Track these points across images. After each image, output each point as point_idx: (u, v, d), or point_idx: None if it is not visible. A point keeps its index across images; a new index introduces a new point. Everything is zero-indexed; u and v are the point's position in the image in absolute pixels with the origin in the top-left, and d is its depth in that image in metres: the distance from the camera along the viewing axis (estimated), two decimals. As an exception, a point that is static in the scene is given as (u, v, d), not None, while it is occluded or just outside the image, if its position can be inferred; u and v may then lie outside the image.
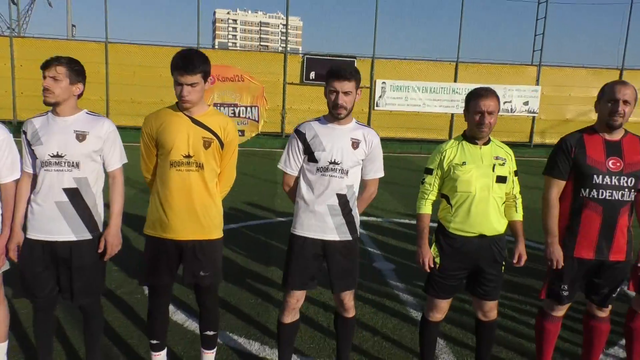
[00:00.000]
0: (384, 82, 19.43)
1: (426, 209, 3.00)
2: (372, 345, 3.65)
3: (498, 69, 20.05)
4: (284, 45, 21.24)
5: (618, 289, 3.05)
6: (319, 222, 2.81)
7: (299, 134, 2.87)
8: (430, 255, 2.94)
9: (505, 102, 19.92)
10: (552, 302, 3.12)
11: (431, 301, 3.04)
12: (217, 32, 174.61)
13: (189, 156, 2.71)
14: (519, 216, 3.04)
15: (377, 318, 4.10)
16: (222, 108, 18.09)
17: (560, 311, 3.14)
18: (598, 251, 2.94)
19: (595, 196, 2.90)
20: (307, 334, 3.70)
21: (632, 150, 2.93)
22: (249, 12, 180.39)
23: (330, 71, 2.74)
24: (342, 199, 2.81)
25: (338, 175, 2.79)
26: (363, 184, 2.98)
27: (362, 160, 2.88)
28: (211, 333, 3.02)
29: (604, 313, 3.14)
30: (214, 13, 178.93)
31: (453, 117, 19.52)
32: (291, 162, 2.90)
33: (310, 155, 2.83)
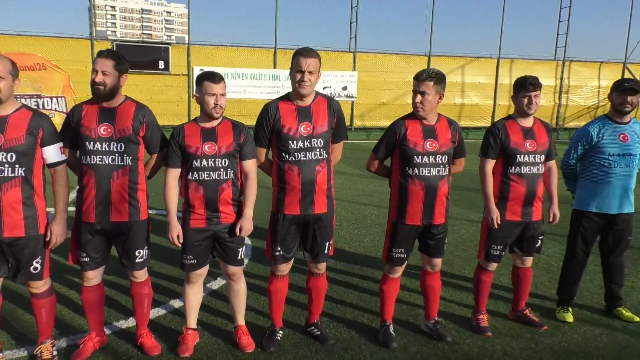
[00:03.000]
0: (201, 69, 19.01)
1: None
2: None
3: (317, 55, 20.60)
4: (169, 34, 20.13)
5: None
6: None
7: None
8: None
9: (324, 88, 20.57)
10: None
11: None
12: (94, 19, 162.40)
13: None
14: None
15: None
16: (23, 99, 16.66)
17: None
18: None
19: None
20: None
21: None
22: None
23: None
24: None
25: None
26: None
27: None
28: None
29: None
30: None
31: (275, 104, 19.78)
32: None
33: None
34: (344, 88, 20.63)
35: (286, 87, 20.14)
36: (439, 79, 3.27)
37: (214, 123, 3.22)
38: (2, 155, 2.86)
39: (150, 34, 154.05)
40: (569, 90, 22.44)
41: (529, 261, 3.79)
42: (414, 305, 4.11)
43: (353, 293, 4.44)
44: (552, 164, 3.72)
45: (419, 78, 3.27)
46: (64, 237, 3.11)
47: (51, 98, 17.81)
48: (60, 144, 3.09)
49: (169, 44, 18.91)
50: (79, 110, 3.18)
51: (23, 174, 2.93)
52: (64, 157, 3.10)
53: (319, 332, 3.58)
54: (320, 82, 20.24)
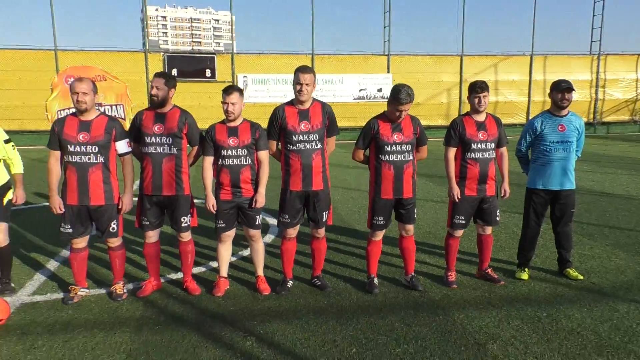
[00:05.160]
0: (245, 76, 20.59)
1: None
2: None
3: (352, 59, 21.66)
4: (217, 42, 21.95)
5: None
6: None
7: None
8: None
9: (361, 90, 21.60)
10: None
11: None
12: (147, 31, 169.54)
13: None
14: (15, 169, 4.47)
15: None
16: (87, 108, 18.54)
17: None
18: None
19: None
20: None
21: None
22: (179, 8, 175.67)
23: None
24: None
25: None
26: None
27: None
28: None
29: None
30: (142, 11, 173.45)
31: (313, 106, 20.97)
32: None
33: None
34: (379, 90, 21.59)
35: (324, 89, 21.31)
36: (413, 99, 4.27)
37: (236, 123, 4.37)
38: (89, 147, 4.12)
39: (200, 42, 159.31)
40: (606, 84, 22.40)
41: (488, 229, 4.72)
42: (399, 267, 5.10)
43: (353, 258, 5.49)
44: (504, 150, 4.63)
45: (404, 102, 4.21)
46: (131, 205, 4.35)
47: (111, 106, 19.86)
48: (128, 140, 4.32)
49: (215, 53, 20.45)
50: (141, 114, 4.41)
51: (103, 161, 4.18)
52: (130, 149, 4.34)
53: (320, 283, 4.65)
54: (357, 85, 21.38)
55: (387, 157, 4.35)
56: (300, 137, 4.34)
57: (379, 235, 4.59)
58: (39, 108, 18.53)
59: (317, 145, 4.38)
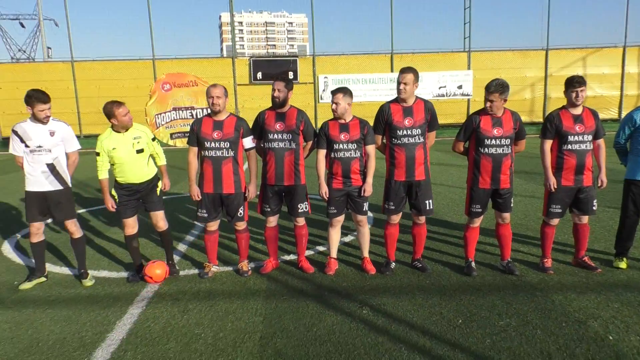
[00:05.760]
0: (326, 77, 21.29)
1: (102, 175, 4.97)
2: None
3: (432, 57, 21.69)
4: (291, 44, 23.15)
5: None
6: (38, 180, 4.82)
7: (14, 132, 4.84)
8: (112, 200, 4.96)
9: (440, 87, 21.59)
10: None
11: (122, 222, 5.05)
12: (224, 35, 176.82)
13: None
14: (160, 161, 5.21)
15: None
16: (181, 111, 20.04)
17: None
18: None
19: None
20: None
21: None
22: (254, 13, 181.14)
23: None
24: (50, 166, 4.81)
25: (44, 152, 4.78)
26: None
27: (61, 141, 4.87)
28: None
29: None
30: (220, 17, 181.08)
31: (392, 105, 21.25)
32: (15, 149, 4.85)
33: (24, 143, 4.80)
34: (459, 87, 21.47)
35: (402, 88, 21.54)
36: (503, 90, 4.57)
37: (347, 119, 4.89)
38: (222, 143, 4.81)
39: (274, 45, 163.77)
40: None
41: (585, 219, 4.91)
42: (494, 255, 5.39)
43: (448, 246, 5.86)
44: (601, 142, 4.80)
45: (491, 90, 4.57)
46: (255, 193, 5.00)
47: (202, 109, 21.09)
48: (252, 136, 4.98)
49: (297, 56, 21.31)
50: (263, 114, 5.05)
51: (233, 155, 4.86)
52: (254, 145, 4.99)
53: (420, 265, 5.08)
54: (436, 82, 21.42)
55: (486, 150, 4.69)
56: (405, 132, 4.78)
57: (477, 222, 4.94)
58: (139, 113, 20.21)
59: (419, 139, 4.80)
